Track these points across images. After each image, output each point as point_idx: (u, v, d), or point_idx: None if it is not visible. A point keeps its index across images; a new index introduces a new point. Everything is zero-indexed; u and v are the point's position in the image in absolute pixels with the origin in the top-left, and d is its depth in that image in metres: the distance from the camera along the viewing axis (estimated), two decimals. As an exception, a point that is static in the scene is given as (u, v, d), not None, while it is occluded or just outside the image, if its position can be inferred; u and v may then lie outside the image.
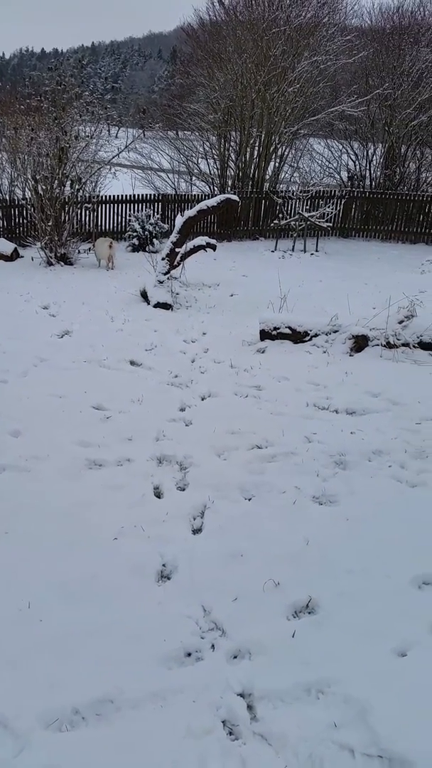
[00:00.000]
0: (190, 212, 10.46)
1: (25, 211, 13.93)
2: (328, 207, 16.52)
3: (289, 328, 7.99)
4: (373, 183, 19.49)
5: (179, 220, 10.36)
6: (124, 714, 2.73)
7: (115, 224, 15.40)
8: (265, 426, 5.61)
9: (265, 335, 8.02)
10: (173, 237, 10.30)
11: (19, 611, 3.27)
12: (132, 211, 15.32)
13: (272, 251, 15.42)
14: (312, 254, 15.35)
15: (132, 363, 7.26)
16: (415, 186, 19.48)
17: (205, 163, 18.93)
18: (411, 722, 2.66)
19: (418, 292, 9.20)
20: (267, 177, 18.33)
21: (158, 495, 4.52)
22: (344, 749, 2.58)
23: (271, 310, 9.03)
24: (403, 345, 7.66)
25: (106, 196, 15.18)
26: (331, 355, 7.57)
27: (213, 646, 3.13)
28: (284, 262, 14.21)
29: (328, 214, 16.28)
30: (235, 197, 11.39)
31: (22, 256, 13.10)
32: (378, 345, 7.69)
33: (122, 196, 15.42)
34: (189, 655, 3.08)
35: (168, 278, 10.17)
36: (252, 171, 18.07)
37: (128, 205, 15.50)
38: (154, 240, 14.45)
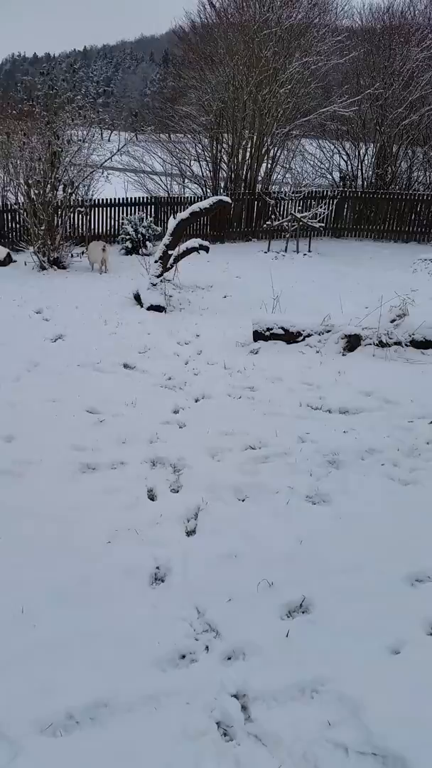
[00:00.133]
0: (182, 214, 10.48)
1: (17, 216, 13.94)
2: (321, 207, 16.58)
3: (282, 328, 8.00)
4: (365, 183, 19.55)
5: (172, 223, 10.38)
6: (118, 717, 2.73)
7: (108, 227, 15.41)
8: (258, 427, 5.62)
9: (258, 336, 8.03)
10: (166, 239, 10.32)
11: (13, 617, 3.27)
12: (125, 215, 15.33)
13: (265, 252, 15.44)
14: (305, 255, 15.38)
15: (125, 366, 7.26)
16: (406, 185, 19.56)
17: (197, 166, 18.97)
18: (404, 719, 2.67)
19: (410, 291, 9.21)
20: (259, 178, 18.37)
21: (152, 497, 4.53)
22: (338, 748, 2.58)
23: (264, 311, 9.05)
24: (396, 344, 7.68)
25: (98, 200, 15.21)
26: (324, 355, 7.59)
27: (207, 647, 3.13)
28: (277, 263, 14.23)
29: (320, 215, 16.32)
30: (227, 199, 11.42)
31: (15, 261, 13.08)
32: (370, 344, 7.71)
33: (115, 199, 15.45)
34: (183, 657, 3.09)
35: (161, 281, 10.18)
36: (244, 172, 18.11)
37: (121, 208, 15.52)
38: (147, 243, 14.47)
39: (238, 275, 12.65)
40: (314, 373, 7.03)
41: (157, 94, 32.52)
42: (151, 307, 9.66)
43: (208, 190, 18.33)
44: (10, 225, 14.20)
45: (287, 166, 19.52)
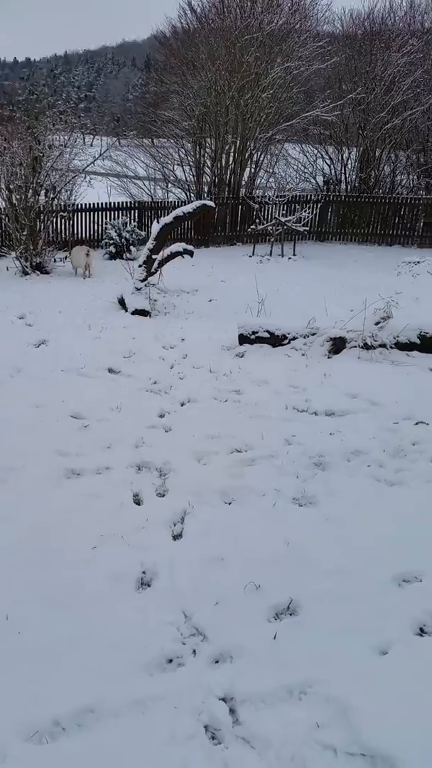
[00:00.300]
0: (166, 219, 10.47)
1: (-1, 221, 13.85)
2: (305, 211, 16.65)
3: (268, 332, 8.01)
4: (349, 187, 19.67)
5: (155, 227, 10.37)
6: (105, 723, 2.70)
7: (92, 232, 15.35)
8: (244, 430, 5.61)
9: (243, 340, 8.03)
10: (150, 244, 10.30)
11: (-2, 623, 3.23)
12: (108, 219, 15.29)
13: (250, 256, 15.47)
14: (290, 258, 15.43)
15: (110, 371, 7.23)
16: (390, 189, 19.70)
17: (180, 170, 18.98)
18: (392, 719, 2.66)
19: (395, 294, 9.26)
20: (243, 183, 18.42)
21: (138, 502, 4.50)
22: (327, 749, 2.58)
23: (250, 315, 9.07)
24: (381, 346, 7.71)
25: (81, 205, 15.14)
26: (310, 358, 7.61)
27: (194, 651, 3.12)
28: (262, 267, 14.26)
29: (304, 219, 16.39)
30: (210, 203, 11.44)
31: (-3, 266, 12.99)
32: (356, 347, 7.74)
33: (98, 204, 15.39)
34: (170, 661, 3.07)
35: (145, 285, 10.15)
36: (228, 177, 18.15)
37: (104, 213, 15.46)
38: (132, 247, 14.44)
39: (223, 279, 12.66)
40: (300, 376, 7.04)
41: (139, 99, 32.56)
42: (136, 312, 9.63)
43: (192, 195, 18.35)
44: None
45: (271, 170, 19.60)
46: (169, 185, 19.27)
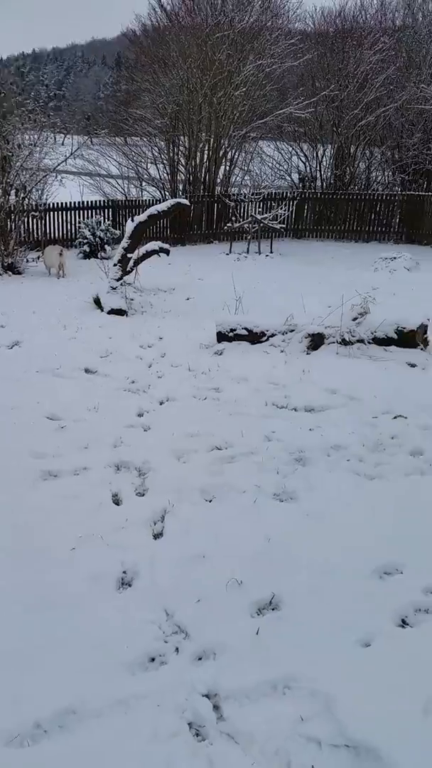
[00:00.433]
0: (140, 217, 10.43)
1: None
2: (281, 209, 16.69)
3: (246, 329, 8.01)
4: (324, 184, 19.78)
5: (129, 226, 10.31)
6: (87, 724, 2.67)
7: (65, 232, 15.21)
8: (224, 427, 5.59)
9: (221, 337, 8.02)
10: (124, 243, 10.24)
11: (-24, 627, 3.18)
12: (81, 218, 15.17)
13: (227, 254, 15.47)
14: (267, 256, 15.46)
15: (87, 371, 7.16)
16: (365, 185, 19.84)
17: (154, 168, 18.91)
18: (376, 711, 2.67)
19: (371, 290, 9.31)
20: (218, 180, 18.41)
21: (117, 502, 4.46)
22: (311, 742, 2.57)
23: (227, 312, 9.05)
24: (358, 341, 7.75)
25: (53, 204, 15.01)
26: (289, 355, 7.61)
27: (177, 649, 3.09)
28: (239, 264, 14.27)
29: (280, 216, 16.43)
30: (185, 201, 11.42)
31: (-32, 268, 12.82)
32: (334, 342, 7.77)
33: (71, 203, 15.27)
34: (153, 659, 3.04)
35: (121, 284, 10.09)
36: (203, 175, 18.13)
37: (77, 212, 15.34)
38: (106, 246, 14.35)
39: (200, 277, 12.63)
40: (279, 373, 7.04)
41: (110, 98, 32.41)
42: (112, 311, 9.56)
43: (167, 193, 18.29)
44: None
45: (246, 168, 19.62)
46: (144, 183, 19.20)
